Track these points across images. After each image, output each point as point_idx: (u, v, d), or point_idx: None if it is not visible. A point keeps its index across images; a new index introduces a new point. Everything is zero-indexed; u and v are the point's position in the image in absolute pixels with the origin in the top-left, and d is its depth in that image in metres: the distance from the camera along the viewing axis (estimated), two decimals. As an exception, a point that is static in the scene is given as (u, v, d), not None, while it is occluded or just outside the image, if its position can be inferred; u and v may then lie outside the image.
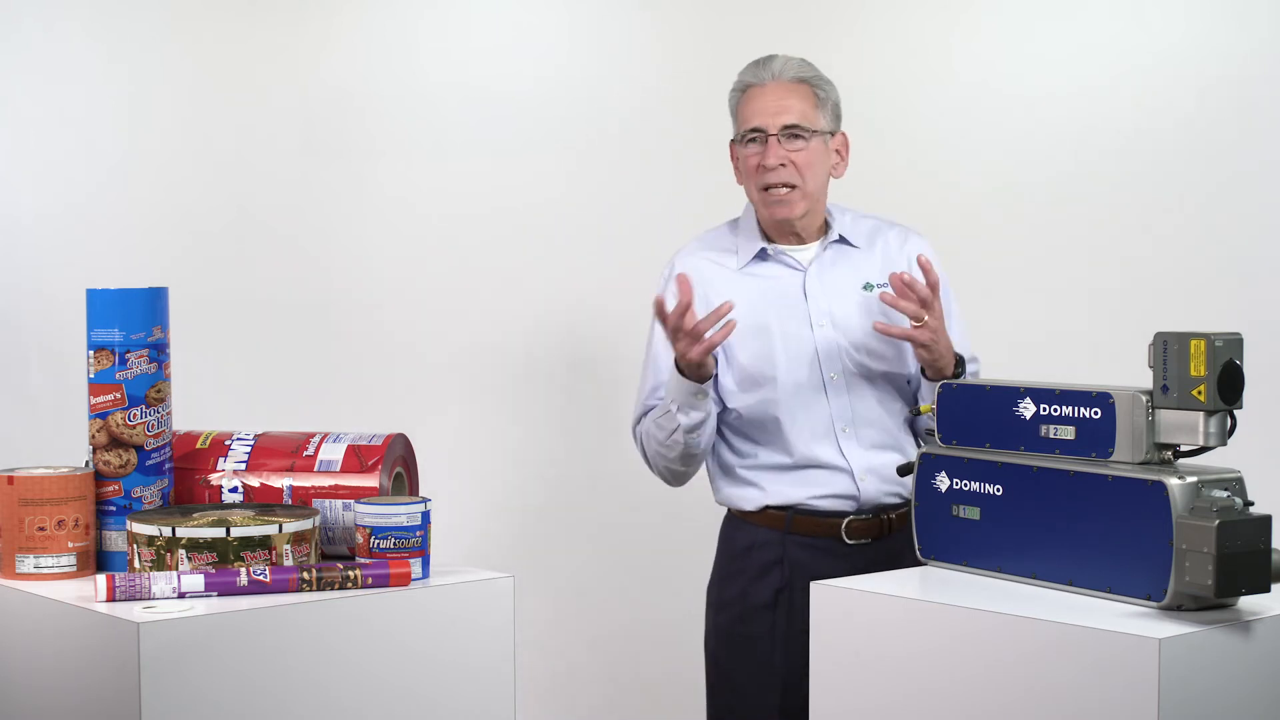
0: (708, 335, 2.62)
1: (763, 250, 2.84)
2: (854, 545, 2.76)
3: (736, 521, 2.88)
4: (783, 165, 2.76)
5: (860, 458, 2.77)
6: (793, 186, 2.77)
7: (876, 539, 2.77)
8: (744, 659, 2.81)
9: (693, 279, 2.70)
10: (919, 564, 2.42)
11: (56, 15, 3.40)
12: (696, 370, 2.68)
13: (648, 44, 3.83)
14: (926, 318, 2.63)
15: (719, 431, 2.84)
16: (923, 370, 2.72)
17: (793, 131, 2.77)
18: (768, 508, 2.82)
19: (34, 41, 3.38)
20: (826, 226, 2.86)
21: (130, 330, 2.28)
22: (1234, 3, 3.64)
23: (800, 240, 2.84)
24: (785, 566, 2.78)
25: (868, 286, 2.80)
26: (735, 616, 2.84)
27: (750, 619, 2.80)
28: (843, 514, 2.77)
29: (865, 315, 2.78)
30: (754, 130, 2.78)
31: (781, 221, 2.81)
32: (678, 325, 2.62)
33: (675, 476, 2.87)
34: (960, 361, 2.71)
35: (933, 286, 2.64)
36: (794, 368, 2.78)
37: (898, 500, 2.77)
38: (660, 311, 2.64)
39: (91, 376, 2.30)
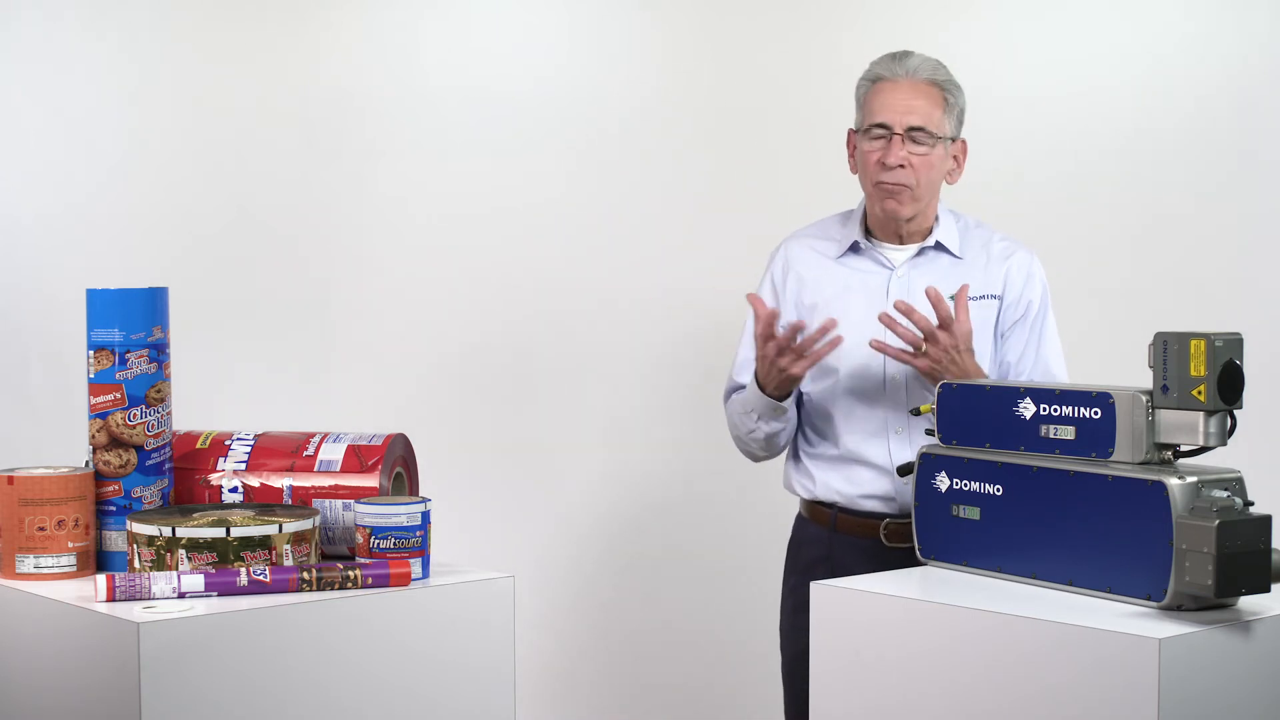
0: (810, 350, 2.64)
1: (856, 243, 2.84)
2: (893, 549, 2.73)
3: (799, 518, 2.93)
4: (902, 166, 2.74)
5: (906, 460, 2.74)
6: (907, 187, 2.76)
7: None
8: (798, 651, 2.79)
9: (791, 263, 2.86)
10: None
11: (56, 14, 3.40)
12: (783, 386, 2.70)
13: (648, 44, 3.83)
14: (926, 348, 2.62)
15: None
16: None
17: (917, 134, 2.75)
18: (817, 502, 2.85)
19: (33, 41, 3.38)
20: (930, 230, 2.84)
21: (130, 330, 2.28)
22: (1234, 3, 3.64)
23: (900, 240, 2.83)
24: (830, 565, 2.77)
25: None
26: (790, 609, 2.87)
27: (801, 612, 2.79)
28: (883, 515, 2.77)
29: None
30: (880, 126, 2.76)
31: (890, 217, 2.80)
32: (785, 345, 2.64)
33: (756, 457, 2.93)
34: None
35: (943, 320, 2.61)
36: (858, 364, 2.78)
37: None
38: (765, 331, 2.65)
39: (91, 376, 2.30)
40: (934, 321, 2.63)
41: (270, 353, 3.57)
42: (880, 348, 2.67)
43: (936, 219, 2.84)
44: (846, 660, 2.24)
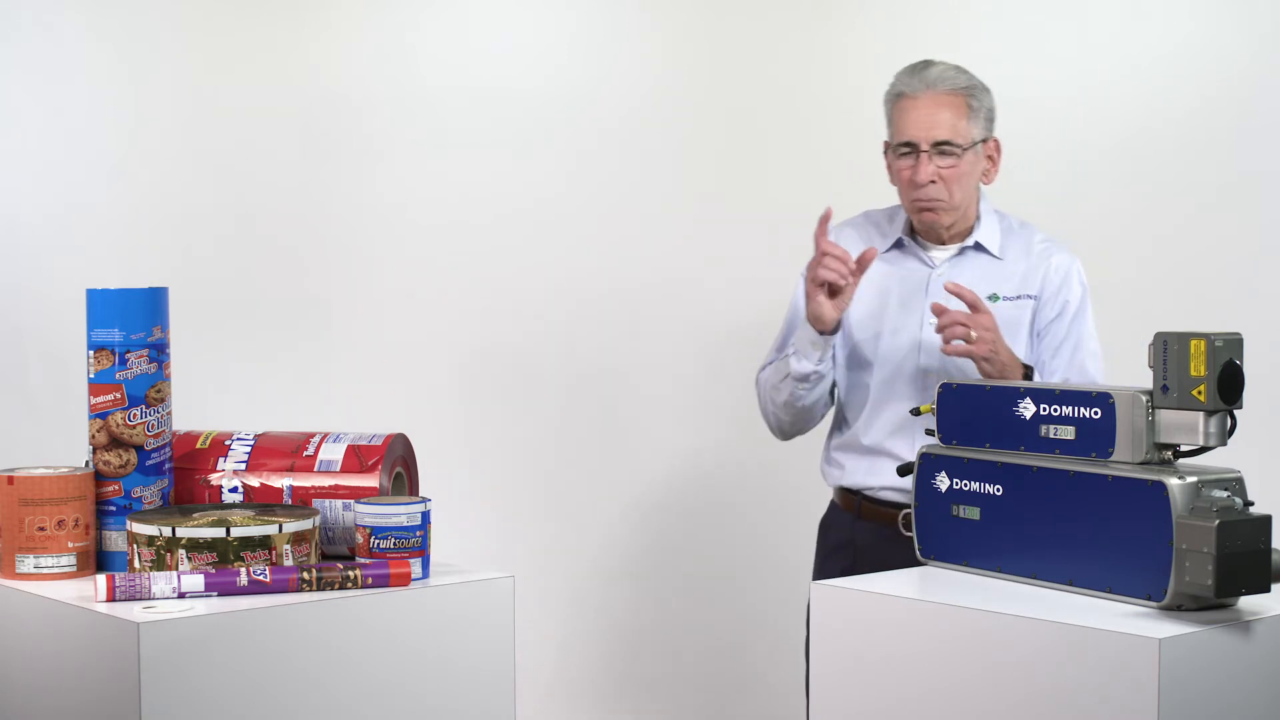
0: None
1: (900, 240, 2.90)
2: (909, 537, 2.73)
3: (831, 504, 3.00)
4: (932, 182, 2.79)
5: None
6: (940, 200, 2.80)
7: None
8: None
9: (843, 245, 2.83)
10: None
11: (56, 15, 3.40)
12: (823, 320, 2.73)
13: (648, 44, 3.83)
14: (974, 333, 2.65)
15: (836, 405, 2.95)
16: None
17: (943, 148, 2.78)
18: (846, 489, 2.92)
19: (34, 41, 3.39)
20: (971, 230, 2.89)
21: (130, 330, 2.28)
22: (1235, 3, 3.64)
23: (943, 240, 2.88)
24: (852, 549, 2.86)
25: (993, 297, 2.81)
26: None
27: None
28: (901, 506, 2.77)
29: None
30: (906, 144, 2.81)
31: (930, 228, 2.86)
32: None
33: (782, 428, 2.96)
34: (1029, 373, 2.72)
35: (970, 305, 2.66)
36: (892, 358, 2.85)
37: None
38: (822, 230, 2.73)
39: (91, 376, 2.30)
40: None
41: (270, 352, 3.57)
42: (952, 352, 2.69)
43: (978, 218, 2.88)
44: (846, 660, 2.24)
